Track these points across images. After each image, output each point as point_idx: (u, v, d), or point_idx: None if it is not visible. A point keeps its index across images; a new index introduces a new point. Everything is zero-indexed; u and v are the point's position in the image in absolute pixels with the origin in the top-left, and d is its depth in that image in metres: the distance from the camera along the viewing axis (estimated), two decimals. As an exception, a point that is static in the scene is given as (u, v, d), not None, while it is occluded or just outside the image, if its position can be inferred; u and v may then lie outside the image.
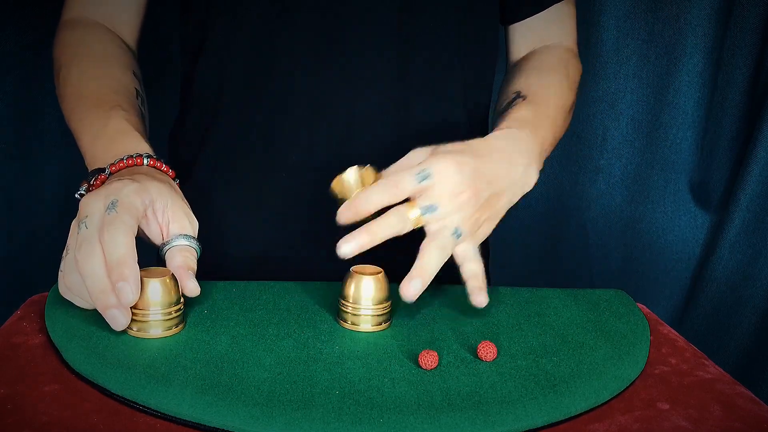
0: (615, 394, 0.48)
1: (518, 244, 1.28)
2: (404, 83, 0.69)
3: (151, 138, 0.69)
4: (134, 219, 0.50)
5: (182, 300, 0.52)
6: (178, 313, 0.52)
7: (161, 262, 0.69)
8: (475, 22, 0.72)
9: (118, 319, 0.48)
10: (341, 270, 0.71)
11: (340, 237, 0.71)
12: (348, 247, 0.53)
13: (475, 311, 0.59)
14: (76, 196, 0.56)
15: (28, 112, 1.09)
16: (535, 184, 0.61)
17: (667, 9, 1.14)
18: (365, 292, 0.54)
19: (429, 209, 0.54)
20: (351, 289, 0.54)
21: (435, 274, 0.53)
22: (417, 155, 0.57)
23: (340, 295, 0.55)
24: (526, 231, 1.28)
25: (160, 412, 0.43)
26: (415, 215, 0.54)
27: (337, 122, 0.69)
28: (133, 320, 0.50)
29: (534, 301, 0.62)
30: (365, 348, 0.51)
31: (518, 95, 0.69)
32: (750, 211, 1.14)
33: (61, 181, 1.14)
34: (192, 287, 0.52)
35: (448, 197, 0.54)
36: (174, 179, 0.60)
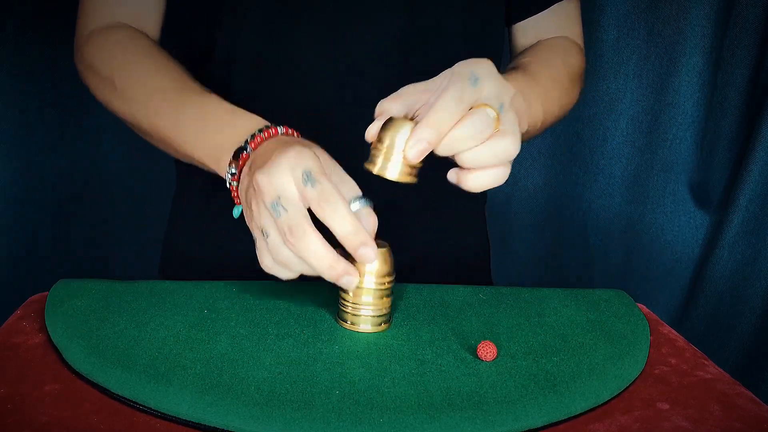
0: (615, 394, 0.48)
1: (518, 244, 1.28)
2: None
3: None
4: (333, 183, 0.48)
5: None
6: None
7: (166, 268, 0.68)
8: (480, 22, 0.72)
9: (352, 282, 0.48)
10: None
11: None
12: (419, 148, 0.48)
13: (475, 311, 0.59)
14: (228, 176, 0.54)
15: (27, 112, 1.09)
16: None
17: (667, 8, 1.14)
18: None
19: (501, 107, 0.49)
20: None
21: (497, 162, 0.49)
22: (439, 81, 0.51)
23: (340, 293, 0.55)
24: (526, 231, 1.28)
25: (160, 412, 0.43)
26: (494, 114, 0.49)
27: (342, 124, 0.69)
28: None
29: (534, 301, 0.62)
30: (365, 348, 0.51)
31: (511, 68, 0.69)
32: (749, 212, 1.14)
33: (61, 181, 1.14)
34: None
35: (502, 89, 0.49)
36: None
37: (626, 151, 1.22)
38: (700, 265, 1.23)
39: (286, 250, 0.48)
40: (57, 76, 1.09)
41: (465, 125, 0.48)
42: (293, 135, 0.56)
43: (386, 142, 0.49)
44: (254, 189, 0.49)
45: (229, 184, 0.55)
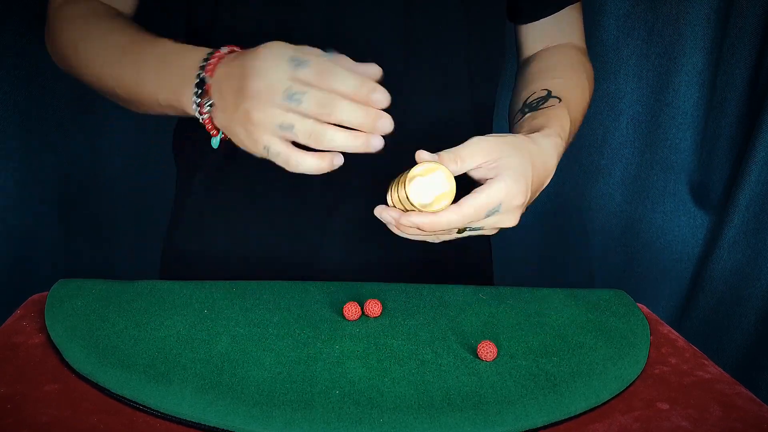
0: (615, 394, 0.48)
1: (519, 245, 1.28)
2: (410, 86, 0.69)
3: (156, 135, 0.68)
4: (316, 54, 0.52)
5: None
6: None
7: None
8: (480, 23, 0.72)
9: (387, 124, 0.51)
10: (340, 270, 0.71)
11: (340, 238, 0.71)
12: (386, 217, 0.56)
13: (475, 311, 0.59)
14: (195, 108, 0.56)
15: (27, 111, 1.09)
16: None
17: (667, 9, 1.14)
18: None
19: (475, 229, 0.57)
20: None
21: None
22: (484, 152, 0.57)
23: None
24: (526, 231, 1.28)
25: (159, 412, 0.43)
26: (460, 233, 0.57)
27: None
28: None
29: (534, 301, 0.62)
30: (365, 348, 0.51)
31: (550, 94, 0.70)
32: (749, 212, 1.14)
33: (61, 181, 1.14)
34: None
35: (507, 214, 0.57)
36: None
37: (626, 151, 1.22)
38: (700, 265, 1.23)
39: (319, 126, 0.50)
40: (57, 77, 1.09)
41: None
42: (238, 50, 0.57)
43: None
44: (255, 99, 0.50)
45: (202, 117, 0.56)
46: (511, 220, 0.57)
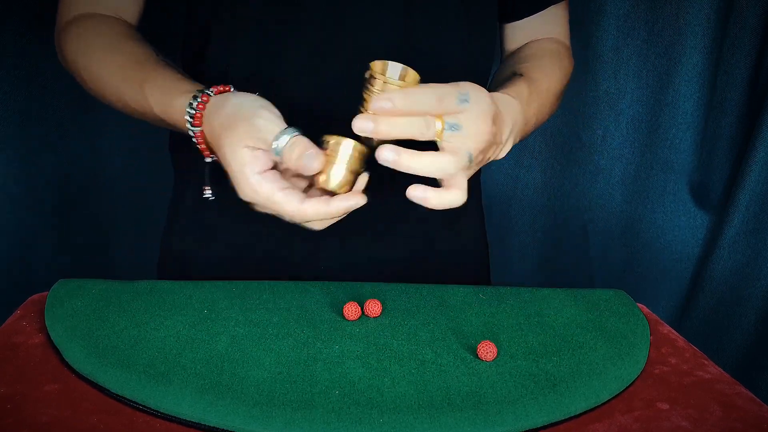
0: (615, 394, 0.48)
1: (518, 244, 1.28)
2: None
3: (155, 135, 0.68)
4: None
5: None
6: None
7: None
8: (480, 23, 0.72)
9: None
10: (340, 270, 0.71)
11: (339, 237, 0.71)
12: (364, 124, 0.53)
13: (475, 311, 0.59)
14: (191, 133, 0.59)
15: (27, 111, 1.09)
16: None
17: (667, 9, 1.14)
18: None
19: (454, 127, 0.53)
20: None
21: (429, 175, 0.54)
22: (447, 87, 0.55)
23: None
24: (526, 231, 1.28)
25: (159, 412, 0.43)
26: (440, 127, 0.53)
27: (341, 123, 0.69)
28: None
29: (534, 301, 0.62)
30: (365, 348, 0.51)
31: (515, 74, 0.70)
32: (749, 211, 1.14)
33: (61, 181, 1.14)
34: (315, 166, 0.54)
35: (475, 125, 0.54)
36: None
37: (626, 151, 1.22)
38: (700, 265, 1.23)
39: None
40: (57, 77, 1.09)
41: (411, 120, 0.52)
42: (226, 91, 0.60)
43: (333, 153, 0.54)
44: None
45: (195, 141, 0.60)
46: (473, 136, 0.54)
